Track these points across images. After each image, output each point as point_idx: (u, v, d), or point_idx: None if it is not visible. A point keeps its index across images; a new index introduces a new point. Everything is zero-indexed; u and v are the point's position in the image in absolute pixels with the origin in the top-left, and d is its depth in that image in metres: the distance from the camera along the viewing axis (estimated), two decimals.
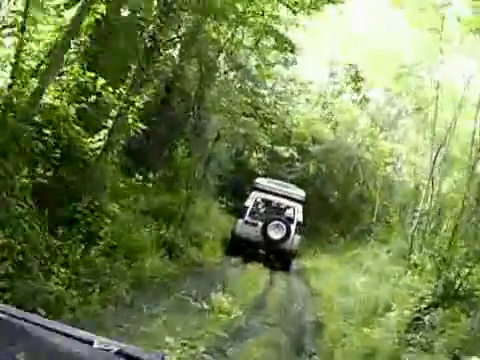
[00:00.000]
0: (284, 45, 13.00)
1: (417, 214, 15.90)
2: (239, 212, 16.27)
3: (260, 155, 29.41)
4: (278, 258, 15.05)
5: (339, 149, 24.12)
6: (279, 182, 16.52)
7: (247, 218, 14.81)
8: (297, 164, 26.21)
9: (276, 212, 15.15)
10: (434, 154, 15.56)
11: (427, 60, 20.04)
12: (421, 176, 20.81)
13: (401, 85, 22.33)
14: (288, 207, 15.21)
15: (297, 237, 14.96)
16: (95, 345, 1.38)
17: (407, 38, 20.53)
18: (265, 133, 20.25)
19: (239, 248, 14.70)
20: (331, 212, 25.78)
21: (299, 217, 15.15)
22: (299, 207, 15.25)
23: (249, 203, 15.15)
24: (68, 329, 1.46)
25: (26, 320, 1.43)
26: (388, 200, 22.27)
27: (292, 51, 13.20)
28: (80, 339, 1.41)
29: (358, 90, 12.37)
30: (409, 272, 13.01)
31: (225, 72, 16.54)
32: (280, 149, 24.55)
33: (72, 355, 1.36)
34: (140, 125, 10.74)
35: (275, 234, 14.59)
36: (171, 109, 17.08)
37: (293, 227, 14.81)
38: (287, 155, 25.12)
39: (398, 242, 17.88)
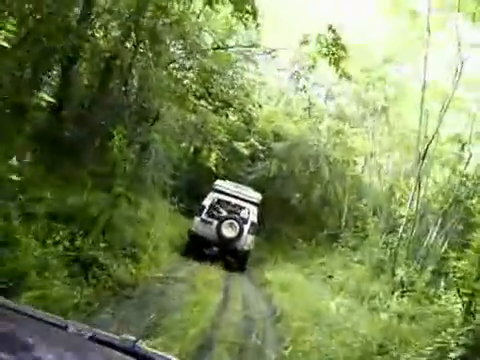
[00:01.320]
0: (245, 8, 9.75)
1: (403, 220, 12.85)
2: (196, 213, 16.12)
3: (219, 153, 26.29)
4: (233, 257, 14.88)
5: (303, 146, 20.99)
6: (237, 184, 16.63)
7: (203, 216, 14.85)
8: (258, 163, 23.07)
9: (231, 212, 15.05)
10: (421, 151, 12.55)
11: (407, 52, 17.30)
12: (394, 176, 17.88)
13: (374, 79, 19.53)
14: (243, 208, 15.19)
15: (250, 237, 14.83)
16: (69, 330, 1.44)
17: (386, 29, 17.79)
18: (221, 124, 16.96)
19: (196, 246, 14.70)
20: (293, 215, 22.71)
21: (253, 218, 15.08)
22: (254, 209, 15.27)
23: (206, 203, 15.24)
24: (43, 314, 1.48)
25: (6, 307, 1.42)
26: (357, 203, 19.24)
27: (254, 17, 9.97)
28: (55, 324, 1.45)
29: (337, 62, 9.39)
30: (397, 293, 9.88)
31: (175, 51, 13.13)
32: (239, 145, 21.29)
33: (47, 339, 1.37)
34: None
35: (228, 233, 14.52)
36: (110, 92, 13.66)
37: (246, 227, 14.72)
38: (247, 152, 21.90)
39: (371, 251, 14.85)
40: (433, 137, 12.34)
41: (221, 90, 12.41)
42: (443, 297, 9.53)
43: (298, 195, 25.17)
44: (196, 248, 14.49)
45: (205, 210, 14.95)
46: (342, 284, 12.44)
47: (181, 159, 22.35)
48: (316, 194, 22.64)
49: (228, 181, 16.96)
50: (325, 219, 20.99)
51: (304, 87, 10.74)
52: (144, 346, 1.53)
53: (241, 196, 15.50)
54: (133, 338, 1.50)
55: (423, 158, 12.21)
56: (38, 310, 1.47)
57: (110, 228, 9.32)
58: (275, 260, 19.19)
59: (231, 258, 14.82)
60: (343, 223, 18.57)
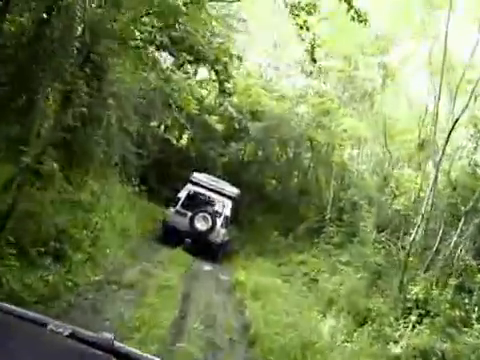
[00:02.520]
0: None
1: (418, 219, 10.12)
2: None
3: (190, 132, 23.45)
4: (206, 249, 14.29)
5: (283, 127, 18.11)
6: (213, 178, 16.36)
7: (178, 208, 14.65)
8: (231, 144, 20.12)
9: (205, 205, 14.89)
10: (431, 136, 9.82)
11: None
12: (388, 166, 15.23)
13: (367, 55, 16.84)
14: (218, 201, 15.06)
15: (222, 230, 14.65)
16: (49, 327, 1.37)
17: None
18: (190, 90, 13.87)
19: (169, 237, 14.14)
20: (268, 204, 19.94)
21: (227, 212, 14.98)
22: (228, 203, 15.14)
23: (182, 194, 15.04)
24: (22, 312, 1.43)
25: None
26: (343, 193, 16.47)
27: None
28: (34, 321, 1.40)
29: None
30: (413, 317, 7.13)
31: None
32: (212, 119, 18.32)
33: (26, 336, 1.36)
34: None
35: (201, 225, 14.33)
36: (49, 37, 10.48)
37: (219, 220, 14.56)
38: (220, 129, 18.95)
39: (362, 251, 12.17)
40: (457, 121, 9.58)
41: (188, 32, 9.30)
42: (476, 326, 6.86)
43: (274, 182, 22.46)
44: (170, 239, 13.95)
45: (180, 202, 14.70)
46: (332, 295, 9.66)
47: (143, 134, 19.40)
48: (295, 181, 19.92)
49: (205, 174, 16.40)
50: (305, 210, 18.24)
51: (305, 22, 7.88)
52: (122, 344, 1.43)
53: (217, 189, 15.28)
54: (111, 336, 1.40)
55: (446, 143, 9.45)
56: (19, 308, 1.41)
57: (18, 216, 6.31)
58: (247, 254, 16.47)
59: (204, 250, 14.21)
60: (327, 215, 15.78)
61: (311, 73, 18.96)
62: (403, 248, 11.56)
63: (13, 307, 1.44)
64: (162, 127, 25.04)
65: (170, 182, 21.88)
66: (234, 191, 15.71)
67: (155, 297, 8.28)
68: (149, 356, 1.43)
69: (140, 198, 16.97)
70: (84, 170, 11.02)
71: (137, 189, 16.39)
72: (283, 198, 20.00)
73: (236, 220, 16.76)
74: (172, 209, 14.70)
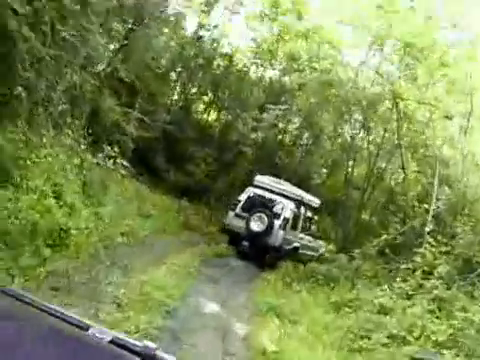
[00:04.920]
0: None
1: None
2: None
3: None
4: (261, 253, 13.56)
5: (347, 82, 12.09)
6: (276, 179, 15.32)
7: (237, 211, 14.53)
8: (269, 111, 14.37)
9: (263, 206, 14.27)
10: None
11: None
12: None
13: None
14: (277, 203, 14.31)
15: (281, 232, 13.74)
16: (90, 331, 1.38)
17: None
18: None
19: (230, 241, 14.37)
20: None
21: (286, 214, 14.07)
22: (289, 204, 14.20)
23: (243, 197, 14.82)
24: (65, 314, 1.45)
25: (26, 302, 1.43)
26: (442, 190, 10.24)
27: None
28: (76, 325, 1.41)
29: None
30: None
31: None
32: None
33: (66, 339, 1.37)
34: None
35: (257, 227, 13.92)
36: None
37: (278, 222, 13.78)
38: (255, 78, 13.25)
39: None
40: None
41: None
42: None
43: (325, 171, 16.90)
44: (231, 243, 14.29)
45: (240, 205, 14.55)
46: None
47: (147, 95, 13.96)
48: (359, 171, 14.07)
49: (269, 177, 15.50)
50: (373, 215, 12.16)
51: None
52: (165, 354, 1.42)
53: (278, 191, 14.61)
54: (154, 345, 1.40)
55: None
56: (62, 308, 1.42)
57: None
58: (285, 283, 10.55)
59: (259, 253, 13.68)
60: (427, 226, 9.51)
61: None
62: None
63: (57, 308, 1.43)
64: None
65: (182, 163, 16.88)
66: (296, 192, 14.84)
67: None
68: None
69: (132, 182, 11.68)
70: None
71: (118, 166, 10.63)
72: (340, 195, 14.27)
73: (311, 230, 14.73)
74: (231, 212, 14.64)
